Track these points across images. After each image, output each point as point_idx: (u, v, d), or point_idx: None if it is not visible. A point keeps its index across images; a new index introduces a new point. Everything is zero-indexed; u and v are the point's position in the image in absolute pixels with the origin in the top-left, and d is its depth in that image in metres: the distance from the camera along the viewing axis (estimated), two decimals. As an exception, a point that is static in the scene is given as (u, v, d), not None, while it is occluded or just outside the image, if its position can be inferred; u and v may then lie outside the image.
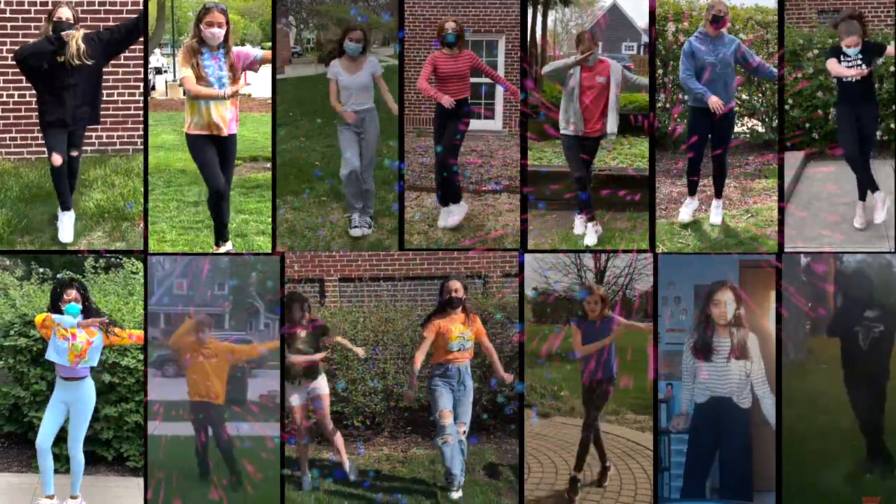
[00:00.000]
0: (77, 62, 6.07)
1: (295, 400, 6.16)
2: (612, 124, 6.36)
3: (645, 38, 7.07)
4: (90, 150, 7.17)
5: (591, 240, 6.40)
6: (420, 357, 5.95)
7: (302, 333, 6.14)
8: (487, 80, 7.18)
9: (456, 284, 5.98)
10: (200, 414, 6.03)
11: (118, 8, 7.17)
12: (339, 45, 6.52)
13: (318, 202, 6.82)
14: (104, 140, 7.21)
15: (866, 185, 6.31)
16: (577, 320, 6.03)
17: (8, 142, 6.72)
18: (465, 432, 6.00)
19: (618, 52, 7.40)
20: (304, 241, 6.46)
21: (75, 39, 6.06)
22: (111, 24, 6.93)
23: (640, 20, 7.02)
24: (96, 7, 7.18)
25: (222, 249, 6.19)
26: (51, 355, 5.61)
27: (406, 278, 7.57)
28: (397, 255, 7.51)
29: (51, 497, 5.79)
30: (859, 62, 6.18)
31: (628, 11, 7.28)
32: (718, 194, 6.54)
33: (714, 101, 6.22)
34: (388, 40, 7.44)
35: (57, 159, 6.15)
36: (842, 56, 6.22)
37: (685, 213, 6.53)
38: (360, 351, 6.49)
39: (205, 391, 6.00)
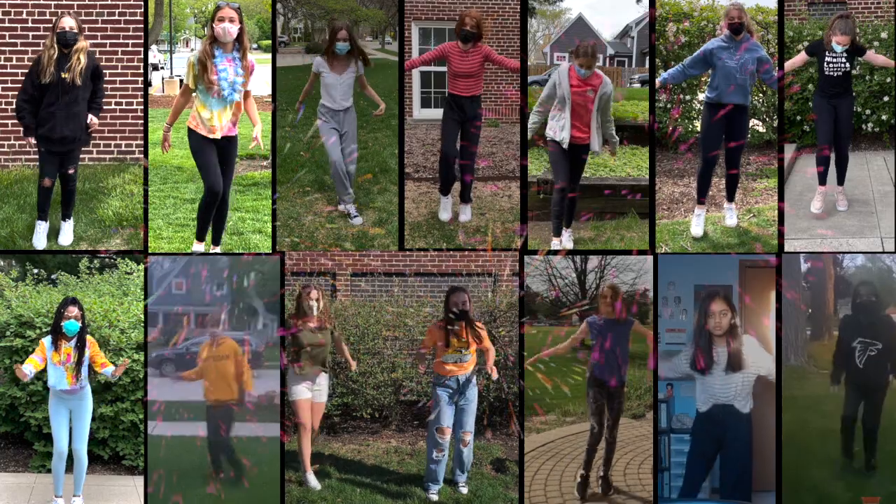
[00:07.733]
0: (79, 81, 6.03)
1: (303, 393, 6.09)
2: (595, 142, 6.24)
3: (611, 51, 7.08)
4: (108, 159, 7.20)
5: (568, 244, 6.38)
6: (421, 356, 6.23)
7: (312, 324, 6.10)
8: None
9: (462, 297, 5.92)
10: (218, 414, 6.09)
11: (117, 5, 7.12)
12: (331, 46, 6.52)
13: (301, 192, 6.76)
14: (122, 149, 7.22)
15: (840, 174, 6.46)
16: (591, 318, 5.97)
17: (28, 149, 6.68)
18: (468, 442, 6.00)
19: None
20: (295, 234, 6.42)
21: (80, 53, 6.01)
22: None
23: (607, 32, 7.08)
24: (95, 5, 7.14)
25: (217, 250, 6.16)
26: (52, 382, 5.86)
27: (417, 274, 7.55)
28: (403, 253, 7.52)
29: (59, 497, 5.92)
30: (843, 60, 6.28)
31: (594, 24, 7.23)
32: (731, 198, 6.49)
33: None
34: (377, 33, 7.41)
35: (47, 182, 6.18)
36: (827, 52, 6.32)
37: (697, 225, 6.39)
38: (354, 364, 6.41)
39: (225, 394, 6.10)
